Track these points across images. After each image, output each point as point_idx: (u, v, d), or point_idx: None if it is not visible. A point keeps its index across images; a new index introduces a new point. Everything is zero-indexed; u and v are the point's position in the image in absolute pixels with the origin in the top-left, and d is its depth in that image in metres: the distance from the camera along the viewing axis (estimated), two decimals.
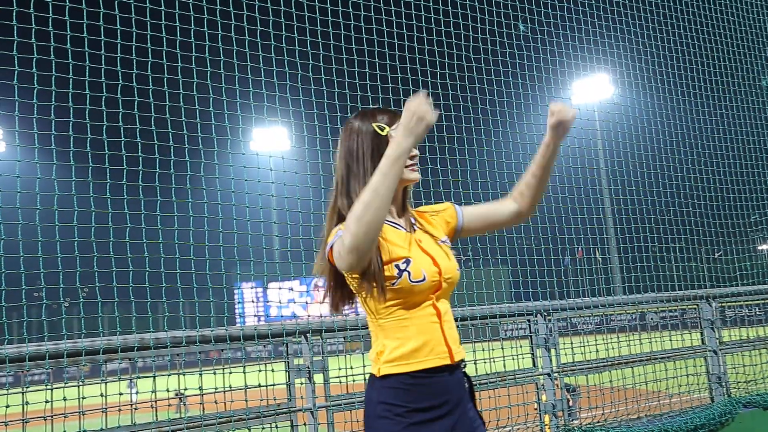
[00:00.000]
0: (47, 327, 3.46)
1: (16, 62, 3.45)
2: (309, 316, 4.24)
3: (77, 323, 3.48)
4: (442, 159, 5.08)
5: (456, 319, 2.66)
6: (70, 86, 3.64)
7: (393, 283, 1.98)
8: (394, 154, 1.84)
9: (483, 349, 4.67)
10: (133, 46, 3.88)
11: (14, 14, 3.50)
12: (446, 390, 2.02)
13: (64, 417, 3.31)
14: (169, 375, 3.92)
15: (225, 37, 4.22)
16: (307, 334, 4.03)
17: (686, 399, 5.59)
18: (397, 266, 1.99)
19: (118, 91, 3.82)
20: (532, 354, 4.91)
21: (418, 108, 1.85)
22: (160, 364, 3.83)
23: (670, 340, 5.64)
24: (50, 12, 3.61)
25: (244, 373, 3.83)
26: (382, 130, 2.06)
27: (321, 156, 4.53)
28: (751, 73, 7.29)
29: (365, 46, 4.82)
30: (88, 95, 3.70)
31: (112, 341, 3.50)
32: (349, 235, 1.81)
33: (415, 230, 2.14)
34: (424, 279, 2.00)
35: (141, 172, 3.87)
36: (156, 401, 3.71)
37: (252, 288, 15.97)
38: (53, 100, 3.59)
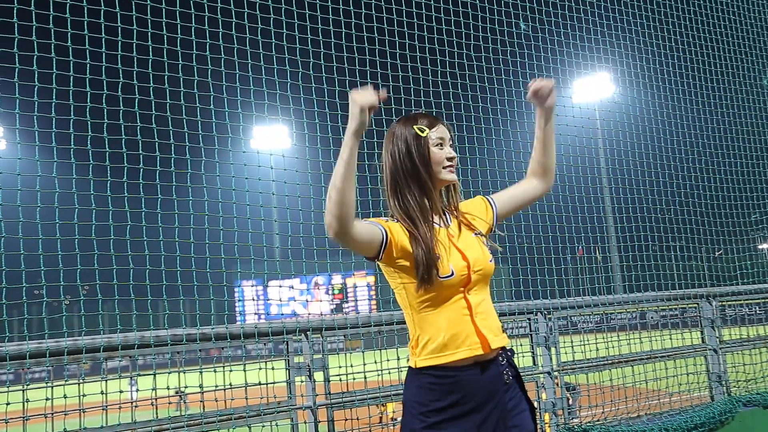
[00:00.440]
0: (48, 324, 3.46)
1: (16, 60, 3.45)
2: (309, 314, 4.24)
3: (78, 321, 3.49)
4: None
5: None
6: (71, 84, 3.64)
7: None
8: (344, 139, 2.00)
9: None
10: (134, 44, 3.88)
11: (15, 12, 3.50)
12: (474, 387, 2.11)
13: (65, 414, 3.31)
14: (169, 373, 3.93)
15: (226, 34, 4.21)
16: (308, 332, 4.04)
17: (686, 398, 5.59)
18: None
19: (119, 89, 3.82)
20: (532, 352, 4.91)
21: (354, 94, 1.99)
22: (160, 361, 3.82)
23: (671, 338, 5.64)
24: (51, 9, 3.60)
25: (245, 370, 3.83)
26: (423, 132, 2.21)
27: (322, 154, 4.52)
28: (752, 72, 7.28)
29: (366, 44, 4.82)
30: (88, 93, 3.70)
31: (113, 339, 3.50)
32: (326, 211, 2.00)
33: (449, 225, 2.26)
34: (452, 274, 2.12)
35: (142, 169, 3.87)
36: (156, 399, 3.70)
37: (252, 286, 16.06)
38: (54, 97, 3.58)
